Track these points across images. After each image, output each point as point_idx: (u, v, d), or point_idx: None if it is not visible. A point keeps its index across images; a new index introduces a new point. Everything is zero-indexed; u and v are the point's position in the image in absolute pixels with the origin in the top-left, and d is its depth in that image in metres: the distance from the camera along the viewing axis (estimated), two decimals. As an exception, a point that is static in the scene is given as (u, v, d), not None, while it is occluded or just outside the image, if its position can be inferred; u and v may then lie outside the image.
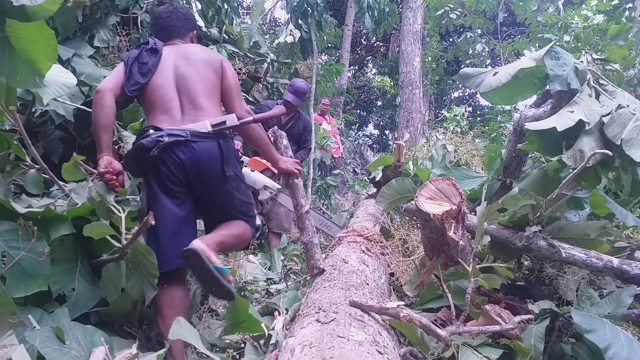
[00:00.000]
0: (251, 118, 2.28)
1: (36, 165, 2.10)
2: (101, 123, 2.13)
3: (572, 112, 1.83)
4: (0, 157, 1.86)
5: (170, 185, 2.07)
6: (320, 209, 6.47)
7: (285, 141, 2.72)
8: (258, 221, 2.46)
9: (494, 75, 2.00)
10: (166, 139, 2.05)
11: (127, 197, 2.26)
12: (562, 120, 1.81)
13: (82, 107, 2.80)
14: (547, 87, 1.94)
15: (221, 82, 2.39)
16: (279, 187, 3.69)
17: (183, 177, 2.11)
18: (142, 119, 2.90)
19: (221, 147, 2.17)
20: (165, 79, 2.29)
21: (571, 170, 1.87)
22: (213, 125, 2.17)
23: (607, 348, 1.47)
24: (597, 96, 1.94)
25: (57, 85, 2.21)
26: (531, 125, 1.88)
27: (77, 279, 1.75)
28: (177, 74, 2.31)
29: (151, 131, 2.09)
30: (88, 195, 1.98)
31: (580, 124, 1.82)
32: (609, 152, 1.71)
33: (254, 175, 3.59)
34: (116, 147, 2.74)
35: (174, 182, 2.08)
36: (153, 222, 1.58)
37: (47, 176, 2.25)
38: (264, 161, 3.90)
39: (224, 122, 2.18)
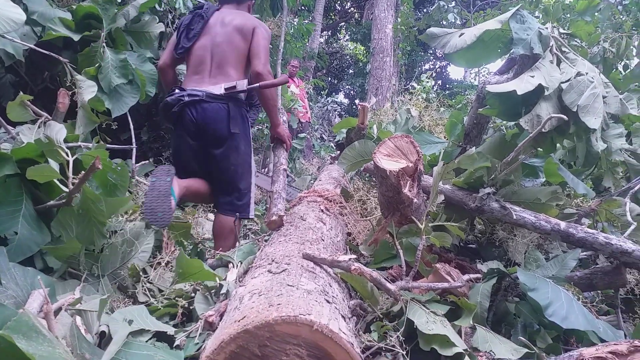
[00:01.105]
0: (257, 85, 2.58)
1: (-21, 104, 1.98)
2: None
3: (532, 76, 1.85)
4: (-63, 90, 1.75)
5: (187, 135, 2.55)
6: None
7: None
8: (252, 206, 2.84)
9: (460, 36, 1.98)
10: (186, 98, 2.50)
11: (79, 143, 2.17)
12: (522, 84, 1.82)
13: (34, 47, 2.64)
14: (511, 50, 1.94)
15: (249, 44, 2.69)
16: None
17: (195, 130, 2.54)
18: (97, 64, 2.77)
19: (229, 108, 2.55)
20: (205, 44, 2.69)
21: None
22: (226, 89, 2.54)
23: (548, 305, 1.52)
24: (559, 63, 1.96)
25: (4, 20, 2.07)
26: (492, 88, 1.89)
27: (21, 223, 1.67)
28: (214, 41, 2.68)
29: (177, 91, 2.56)
30: (37, 137, 1.89)
31: (540, 89, 1.83)
32: (564, 117, 1.73)
33: None
34: (70, 92, 2.62)
35: (190, 133, 2.54)
36: (100, 167, 1.52)
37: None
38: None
39: (235, 87, 2.55)
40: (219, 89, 2.54)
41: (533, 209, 1.94)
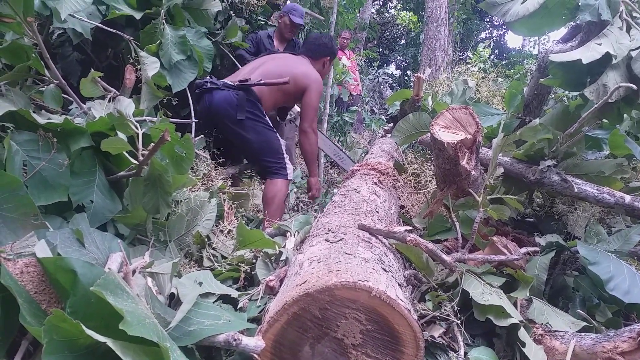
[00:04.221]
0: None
1: (55, 81, 2.11)
2: None
3: (600, 44, 1.76)
4: (20, 68, 1.87)
5: (204, 120, 3.08)
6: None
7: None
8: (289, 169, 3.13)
9: (522, 3, 1.91)
10: (208, 85, 2.97)
11: (145, 117, 2.28)
12: (588, 53, 1.75)
13: (101, 25, 2.76)
14: (577, 17, 1.85)
15: (300, 95, 3.15)
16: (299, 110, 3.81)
17: (207, 113, 2.99)
18: (158, 41, 2.87)
19: (238, 96, 2.91)
20: (259, 64, 3.16)
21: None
22: (239, 81, 2.95)
23: (609, 280, 1.49)
24: (629, 29, 1.86)
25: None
26: (555, 57, 1.82)
27: (95, 192, 1.79)
28: (268, 68, 3.11)
29: (206, 78, 3.07)
30: (107, 112, 2.00)
31: (607, 57, 1.75)
32: (633, 86, 1.65)
33: None
34: (134, 68, 2.74)
35: (204, 116, 3.06)
36: (169, 139, 1.60)
37: (65, 95, 2.27)
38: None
39: (246, 81, 2.95)
40: (234, 81, 2.98)
41: (596, 182, 1.88)
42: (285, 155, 3.16)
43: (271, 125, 3.11)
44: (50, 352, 0.81)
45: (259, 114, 3.03)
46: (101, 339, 0.81)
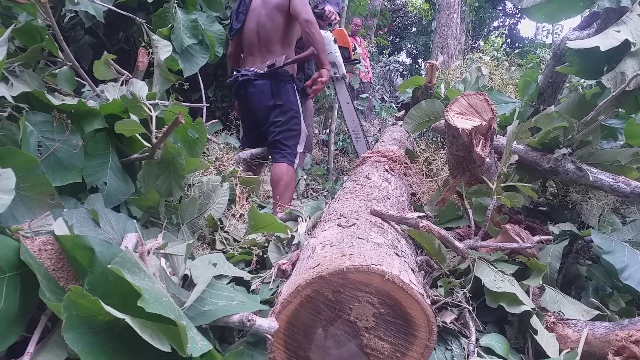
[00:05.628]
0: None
1: (68, 63, 2.11)
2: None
3: (618, 31, 1.73)
4: (33, 50, 1.87)
5: (245, 106, 3.11)
6: (346, 132, 6.44)
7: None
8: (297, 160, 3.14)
9: (540, -12, 1.88)
10: (240, 79, 3.00)
11: (157, 101, 2.28)
12: (606, 40, 1.72)
13: (113, 7, 2.75)
14: (595, 3, 1.82)
15: (287, 8, 2.95)
16: (344, 74, 3.70)
17: (247, 102, 3.05)
18: (170, 25, 2.86)
19: (272, 85, 2.98)
20: (252, 27, 3.08)
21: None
22: (267, 67, 2.96)
23: (624, 269, 1.48)
24: (649, 16, 1.82)
25: (87, -18, 2.18)
26: (572, 44, 1.79)
27: (109, 174, 1.80)
28: (259, 22, 3.05)
29: (235, 73, 3.08)
30: (120, 94, 2.00)
31: (626, 44, 1.72)
32: (653, 74, 1.63)
33: (332, 46, 3.73)
34: (147, 51, 2.74)
35: (246, 105, 3.09)
36: (183, 121, 1.60)
37: (78, 78, 2.27)
38: (349, 40, 4.07)
39: (274, 65, 2.96)
40: (262, 68, 2.98)
41: (611, 171, 1.86)
42: (300, 149, 3.15)
43: (301, 114, 3.13)
44: (70, 328, 0.81)
45: (294, 99, 3.07)
46: (120, 315, 0.82)
